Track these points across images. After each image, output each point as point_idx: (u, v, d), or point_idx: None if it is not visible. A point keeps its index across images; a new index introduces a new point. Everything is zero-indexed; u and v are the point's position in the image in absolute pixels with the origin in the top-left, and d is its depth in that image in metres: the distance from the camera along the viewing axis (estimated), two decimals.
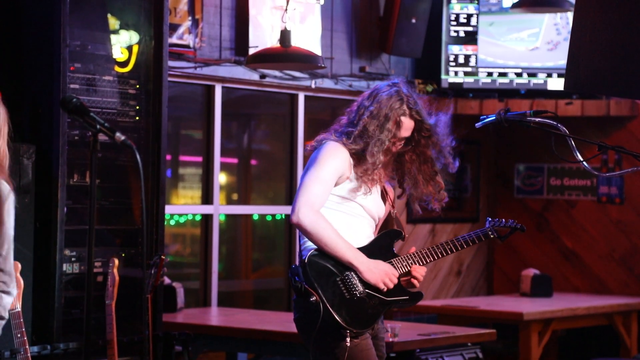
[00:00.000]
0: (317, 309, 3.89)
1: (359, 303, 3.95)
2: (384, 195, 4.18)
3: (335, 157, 4.01)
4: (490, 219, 4.22)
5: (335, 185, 4.03)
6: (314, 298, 3.89)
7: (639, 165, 3.72)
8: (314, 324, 3.90)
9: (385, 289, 3.97)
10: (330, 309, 3.89)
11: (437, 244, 4.13)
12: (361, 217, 4.07)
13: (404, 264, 4.07)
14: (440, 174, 4.18)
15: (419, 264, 4.09)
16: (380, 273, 3.96)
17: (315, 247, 3.98)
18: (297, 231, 4.13)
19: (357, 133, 4.04)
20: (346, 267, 3.96)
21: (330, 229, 3.93)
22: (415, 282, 4.09)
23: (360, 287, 3.96)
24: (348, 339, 3.89)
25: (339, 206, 4.04)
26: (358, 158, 4.04)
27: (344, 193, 4.04)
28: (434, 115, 4.14)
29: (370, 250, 4.05)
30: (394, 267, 4.05)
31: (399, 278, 4.05)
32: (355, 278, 3.96)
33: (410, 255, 4.09)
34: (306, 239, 4.03)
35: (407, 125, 4.06)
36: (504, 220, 4.21)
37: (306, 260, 3.95)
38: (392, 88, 4.09)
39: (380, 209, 4.14)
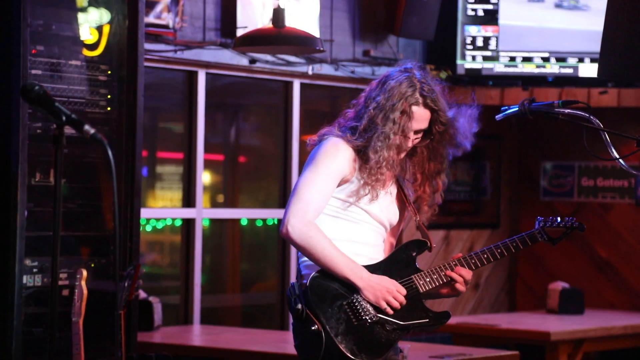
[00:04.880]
0: (319, 339, 3.88)
1: (370, 330, 3.92)
2: (402, 199, 4.14)
3: (335, 157, 3.97)
4: (541, 219, 4.11)
5: (337, 186, 4.01)
6: (315, 327, 3.87)
7: None
8: (316, 354, 3.89)
9: (389, 310, 3.93)
10: (334, 339, 3.87)
11: (470, 254, 4.08)
12: (366, 223, 4.03)
13: (427, 279, 4.02)
14: (444, 174, 4.13)
15: (444, 280, 4.05)
16: (382, 290, 3.91)
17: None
18: None
19: (363, 127, 4.00)
20: (355, 288, 3.92)
21: (324, 241, 3.89)
22: (459, 286, 4.02)
23: (371, 311, 3.92)
24: None
25: (339, 212, 4.00)
26: (364, 156, 4.00)
27: (346, 197, 4.00)
28: (455, 107, 4.10)
29: (386, 266, 4.01)
30: (416, 283, 4.01)
31: (419, 299, 4.01)
32: (368, 302, 3.93)
33: (434, 269, 4.05)
34: None
35: (421, 116, 4.02)
36: (558, 218, 4.12)
37: (308, 284, 3.91)
38: (403, 74, 4.04)
39: (391, 214, 4.10)
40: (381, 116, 3.99)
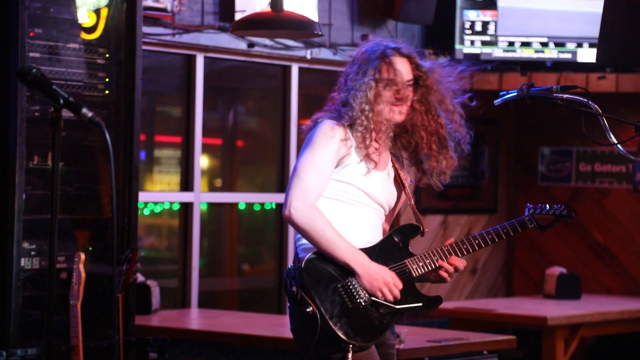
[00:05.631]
0: (314, 321, 3.89)
1: (364, 313, 3.93)
2: (398, 182, 4.14)
3: (331, 138, 3.98)
4: (530, 206, 4.17)
5: (335, 167, 4.01)
6: (310, 309, 3.88)
7: None
8: (312, 336, 3.90)
9: (383, 299, 3.95)
10: (329, 321, 3.87)
11: (462, 239, 4.09)
12: (365, 205, 4.03)
13: (420, 264, 4.04)
14: (447, 131, 4.09)
15: (437, 265, 4.06)
16: (379, 281, 3.92)
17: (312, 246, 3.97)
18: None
19: (346, 100, 4.05)
20: (349, 271, 3.94)
21: (326, 225, 3.90)
22: (444, 274, 4.05)
23: (364, 295, 3.94)
24: (350, 355, 3.89)
25: (338, 194, 4.01)
26: (357, 131, 4.01)
27: (343, 177, 4.01)
28: (431, 61, 4.12)
29: (380, 250, 4.02)
30: (409, 267, 4.03)
31: (412, 283, 4.03)
32: (360, 284, 3.95)
33: (427, 253, 4.07)
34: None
35: (402, 64, 4.04)
36: (547, 206, 4.18)
37: (303, 266, 3.92)
38: (374, 41, 4.11)
39: (389, 195, 4.10)
40: (358, 77, 4.04)
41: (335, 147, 3.99)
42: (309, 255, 3.95)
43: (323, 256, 3.94)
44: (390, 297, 3.94)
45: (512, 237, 4.14)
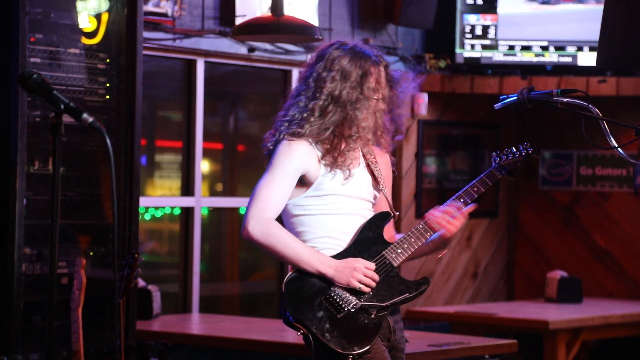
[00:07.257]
0: (308, 341, 3.87)
1: (355, 319, 3.89)
2: (371, 170, 4.06)
3: (289, 156, 3.94)
4: (495, 155, 4.12)
5: (307, 185, 3.96)
6: (301, 332, 3.87)
7: None
8: (311, 351, 3.90)
9: (364, 289, 3.87)
10: (322, 339, 3.85)
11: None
12: (348, 210, 3.97)
13: (398, 251, 3.95)
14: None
15: (416, 246, 3.97)
16: (350, 271, 3.86)
17: (290, 270, 3.94)
18: None
19: (322, 104, 3.95)
20: (329, 280, 3.89)
21: (285, 237, 3.87)
22: (447, 234, 3.98)
23: (352, 300, 3.89)
24: None
25: (319, 207, 3.96)
26: (327, 139, 3.96)
27: (320, 191, 3.96)
28: (396, 71, 4.13)
29: (355, 249, 3.95)
30: (388, 258, 3.94)
31: (395, 273, 3.94)
32: (345, 292, 3.89)
33: (404, 238, 3.97)
34: None
35: (384, 79, 4.03)
36: (513, 148, 4.10)
37: (283, 289, 3.90)
38: (343, 46, 4.03)
39: (371, 189, 4.04)
40: (349, 86, 3.97)
41: (294, 163, 3.93)
42: (287, 276, 3.93)
43: (301, 274, 3.90)
44: (367, 281, 3.88)
45: (484, 192, 4.12)
